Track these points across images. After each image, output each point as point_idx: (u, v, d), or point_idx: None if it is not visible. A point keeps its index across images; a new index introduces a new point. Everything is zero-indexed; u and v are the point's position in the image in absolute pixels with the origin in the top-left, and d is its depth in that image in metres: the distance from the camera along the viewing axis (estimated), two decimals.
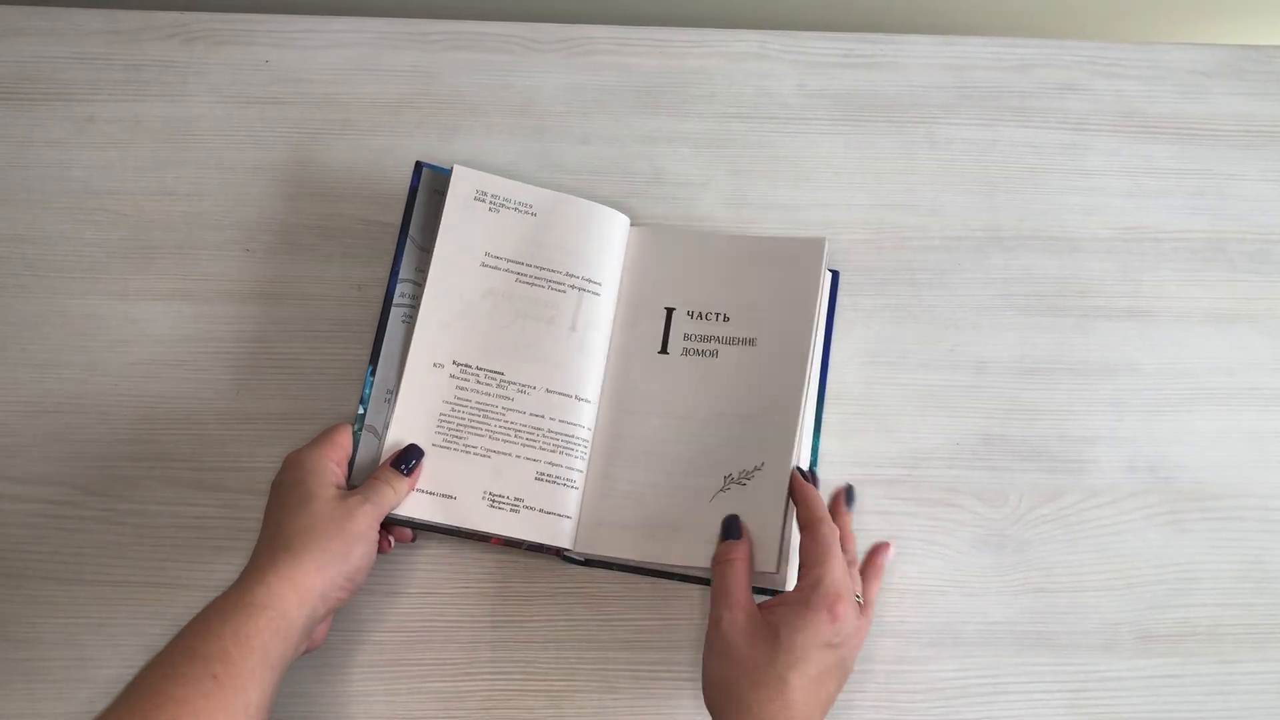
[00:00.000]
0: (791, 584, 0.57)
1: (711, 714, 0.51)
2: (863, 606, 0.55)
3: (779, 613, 0.51)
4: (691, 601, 0.61)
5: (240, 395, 0.63)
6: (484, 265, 0.61)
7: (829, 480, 0.63)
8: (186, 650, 0.47)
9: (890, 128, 0.71)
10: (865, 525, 0.62)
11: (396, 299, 0.61)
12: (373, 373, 0.60)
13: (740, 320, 0.62)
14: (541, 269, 0.62)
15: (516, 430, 0.59)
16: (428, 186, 0.63)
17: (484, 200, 0.62)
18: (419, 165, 0.64)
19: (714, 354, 0.61)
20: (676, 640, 0.60)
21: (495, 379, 0.60)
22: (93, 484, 0.61)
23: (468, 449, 0.59)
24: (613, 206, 0.66)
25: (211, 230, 0.66)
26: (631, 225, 0.65)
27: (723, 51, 0.73)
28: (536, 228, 0.62)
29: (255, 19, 0.71)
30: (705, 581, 0.60)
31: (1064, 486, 0.64)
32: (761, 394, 0.60)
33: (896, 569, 0.62)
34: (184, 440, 0.62)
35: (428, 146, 0.69)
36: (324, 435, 0.57)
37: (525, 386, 0.60)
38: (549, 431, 0.60)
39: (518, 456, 0.59)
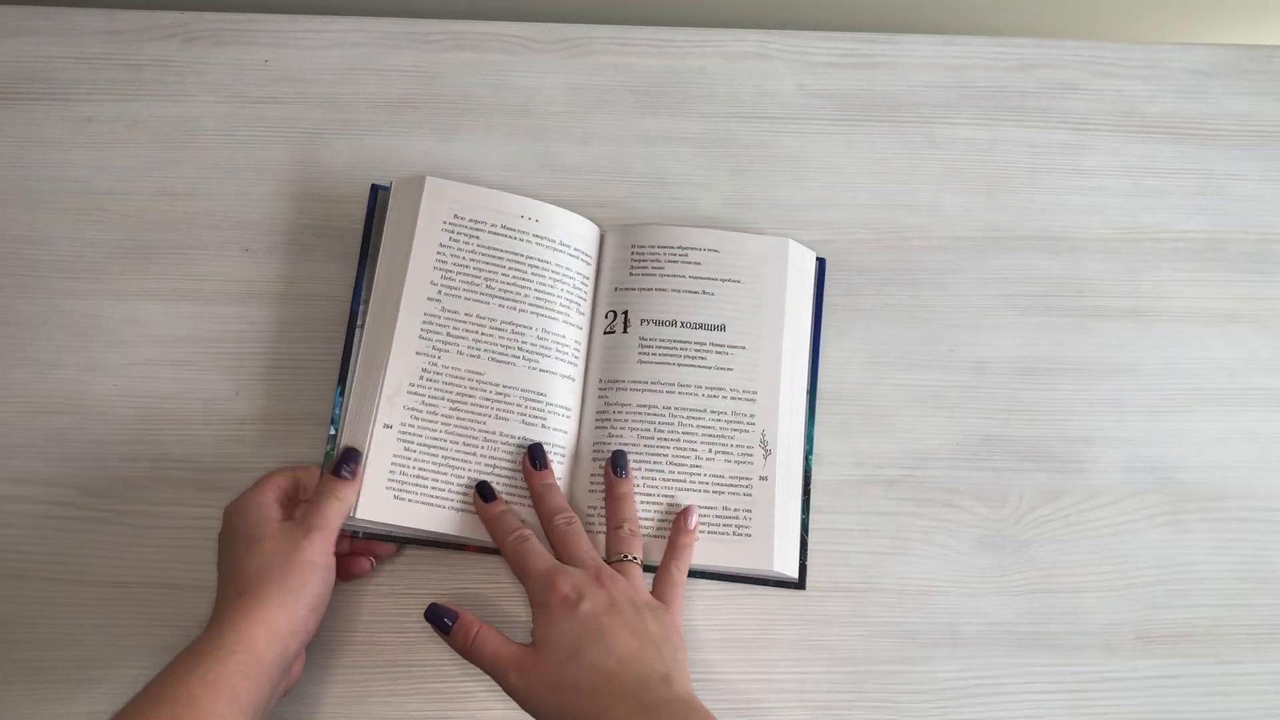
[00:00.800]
0: (780, 565, 0.59)
1: None
2: (664, 566, 0.57)
3: (534, 626, 0.53)
4: (690, 601, 0.60)
5: (240, 396, 0.63)
6: (449, 281, 0.61)
7: (828, 480, 0.63)
8: (153, 698, 0.46)
9: (890, 128, 0.71)
10: (865, 526, 0.62)
11: (360, 320, 0.61)
12: (342, 393, 0.60)
13: (717, 320, 0.62)
14: (510, 284, 0.61)
15: (487, 435, 0.59)
16: (384, 204, 0.63)
17: (456, 222, 0.61)
18: (374, 188, 0.64)
19: (691, 356, 0.61)
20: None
21: (470, 379, 0.60)
22: (92, 484, 0.61)
23: (440, 456, 0.59)
24: (612, 207, 0.67)
25: (211, 230, 0.66)
26: (605, 228, 0.65)
27: (723, 51, 0.73)
28: (509, 241, 0.62)
29: (255, 19, 0.71)
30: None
31: (1064, 487, 0.64)
32: (743, 391, 0.61)
33: (896, 569, 0.61)
34: (184, 441, 0.62)
35: (428, 146, 0.69)
36: (257, 481, 0.56)
37: (502, 389, 0.60)
38: (522, 438, 0.60)
39: (490, 460, 0.59)
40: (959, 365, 0.66)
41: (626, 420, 0.61)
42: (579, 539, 0.56)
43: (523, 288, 0.61)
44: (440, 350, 0.60)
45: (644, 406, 0.61)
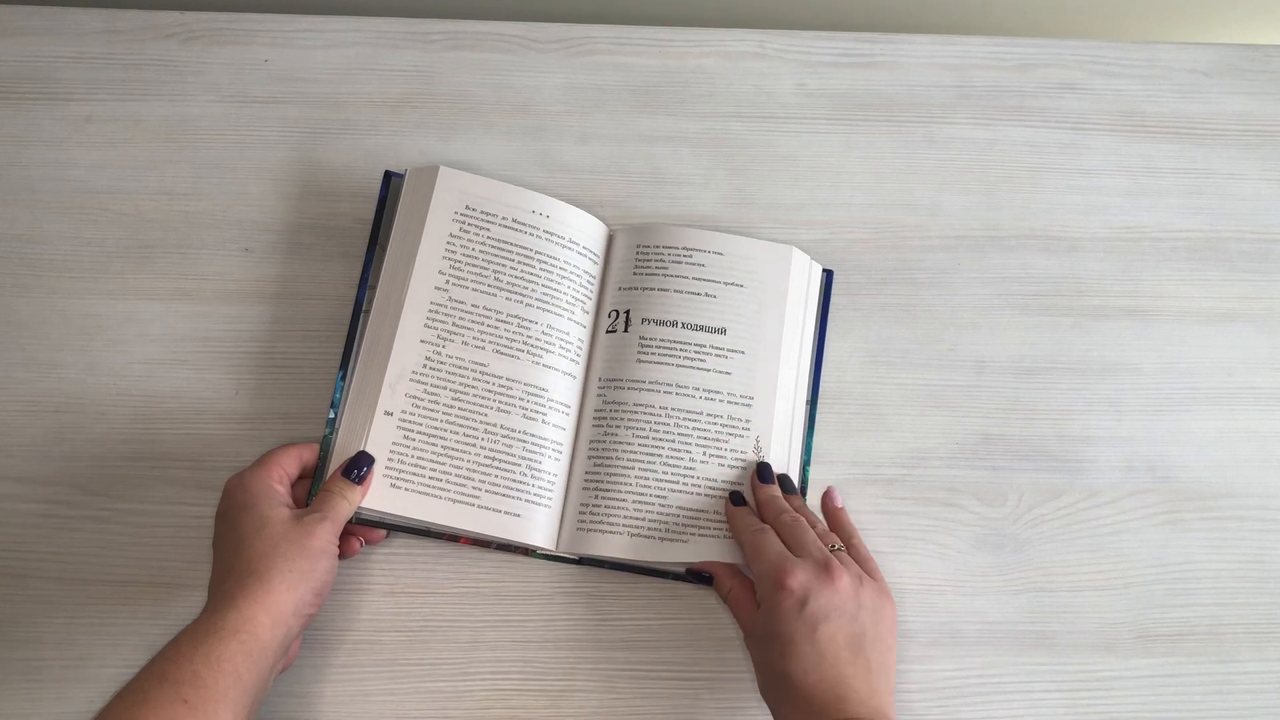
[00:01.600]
0: None
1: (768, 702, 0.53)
2: (849, 553, 0.58)
3: (758, 618, 0.55)
4: (690, 601, 0.61)
5: (239, 395, 0.63)
6: (457, 271, 0.61)
7: (827, 479, 0.63)
8: (157, 675, 0.47)
9: (889, 127, 0.71)
10: (865, 525, 0.62)
11: (366, 306, 0.61)
12: (343, 378, 0.60)
13: (718, 324, 0.62)
14: (518, 278, 0.62)
15: (488, 427, 0.59)
16: (397, 192, 0.64)
17: (468, 213, 0.62)
18: (388, 174, 0.64)
19: (691, 358, 0.62)
20: (675, 639, 0.60)
21: (473, 370, 0.60)
22: (92, 483, 0.61)
23: (440, 446, 0.59)
24: (612, 206, 0.67)
25: (211, 230, 0.66)
26: (614, 229, 0.66)
27: (722, 51, 0.73)
28: (519, 235, 0.62)
29: (255, 18, 0.71)
30: (693, 579, 0.60)
31: (1063, 486, 0.64)
32: (740, 396, 0.61)
33: (895, 568, 0.61)
34: (183, 440, 0.62)
35: (427, 146, 0.69)
36: (263, 458, 0.57)
37: (505, 381, 0.60)
38: (523, 432, 0.60)
39: (490, 453, 0.59)
40: (958, 364, 0.66)
41: (623, 419, 0.61)
42: (805, 532, 0.57)
43: (530, 282, 0.61)
44: (445, 340, 0.60)
45: (640, 406, 0.61)
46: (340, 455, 0.58)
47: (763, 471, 0.60)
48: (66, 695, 0.57)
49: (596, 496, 0.60)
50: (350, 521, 0.58)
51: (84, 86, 0.69)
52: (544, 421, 0.60)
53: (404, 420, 0.58)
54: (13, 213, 0.66)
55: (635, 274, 0.64)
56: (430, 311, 0.60)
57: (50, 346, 0.64)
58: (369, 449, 0.58)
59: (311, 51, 0.71)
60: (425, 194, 0.62)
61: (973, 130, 0.71)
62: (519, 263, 0.62)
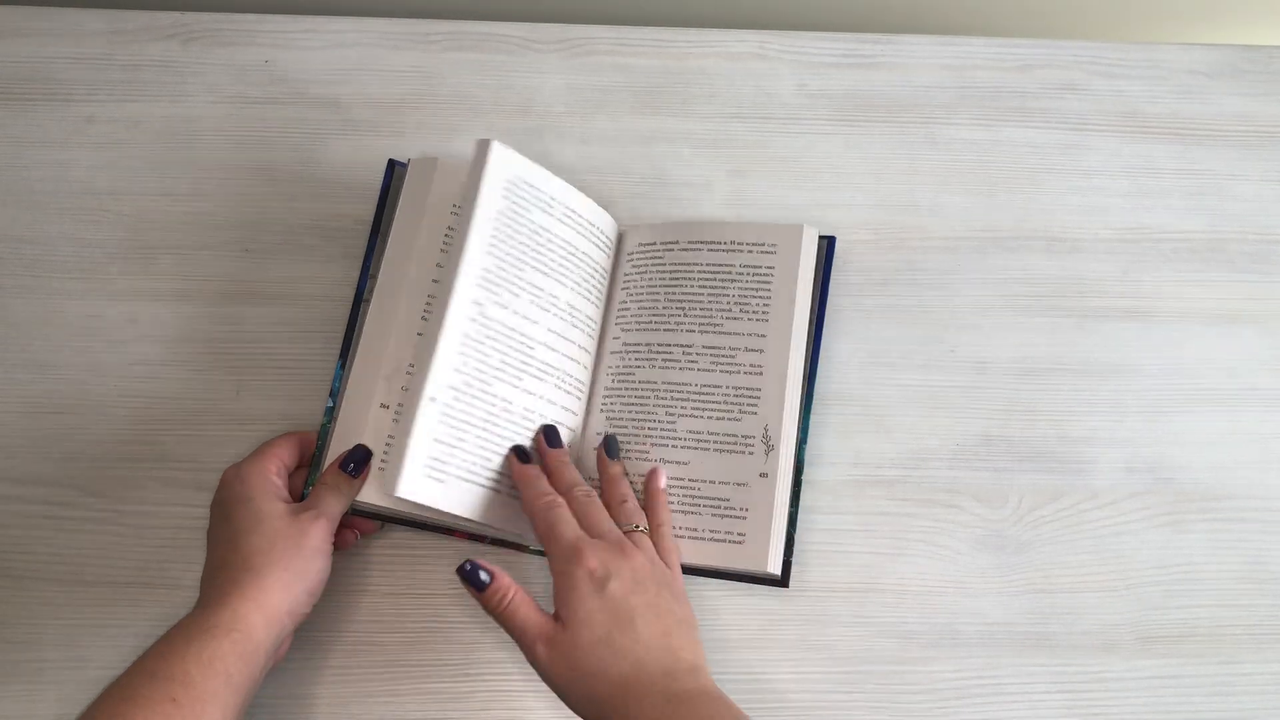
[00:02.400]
0: (773, 567, 0.58)
1: None
2: (651, 526, 0.57)
3: (557, 603, 0.52)
4: (696, 599, 0.60)
5: (241, 396, 0.63)
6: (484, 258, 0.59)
7: (828, 480, 0.63)
8: (146, 672, 0.47)
9: (890, 128, 0.71)
10: (865, 526, 0.62)
11: (366, 295, 0.61)
12: (342, 367, 0.60)
13: (725, 312, 0.62)
14: (539, 261, 0.61)
15: (488, 418, 0.58)
16: (399, 182, 0.63)
17: (516, 193, 0.60)
18: (391, 163, 0.64)
19: (699, 350, 0.61)
20: None
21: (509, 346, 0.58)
22: (93, 485, 0.61)
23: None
24: (613, 207, 0.67)
25: (211, 231, 0.66)
26: (624, 227, 0.66)
27: (723, 52, 0.73)
28: (554, 226, 0.61)
29: (255, 19, 0.71)
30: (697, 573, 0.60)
31: (1064, 487, 0.63)
32: (745, 389, 0.61)
33: (896, 569, 0.61)
34: (184, 441, 0.62)
35: (428, 147, 0.69)
36: (261, 449, 0.57)
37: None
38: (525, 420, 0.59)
39: (490, 444, 0.58)
40: (959, 366, 0.66)
41: (629, 409, 0.61)
42: (599, 511, 0.56)
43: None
44: None
45: (648, 392, 0.61)
46: (338, 445, 0.58)
47: (549, 433, 0.58)
48: (67, 696, 0.58)
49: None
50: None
51: (84, 87, 0.69)
52: (562, 422, 0.60)
53: (399, 414, 0.58)
54: (13, 213, 0.66)
55: (637, 272, 0.64)
56: (428, 305, 0.59)
57: (51, 347, 0.64)
58: (366, 440, 0.57)
59: (312, 52, 0.71)
60: (425, 185, 0.61)
61: (974, 131, 0.71)
62: (554, 252, 0.61)
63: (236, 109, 0.69)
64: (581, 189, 0.64)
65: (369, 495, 0.57)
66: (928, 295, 0.67)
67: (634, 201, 0.68)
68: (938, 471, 0.64)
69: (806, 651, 0.60)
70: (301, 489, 0.58)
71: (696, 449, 0.60)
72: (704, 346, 0.62)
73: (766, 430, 0.60)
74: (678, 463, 0.60)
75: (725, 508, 0.59)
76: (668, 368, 0.61)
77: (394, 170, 0.64)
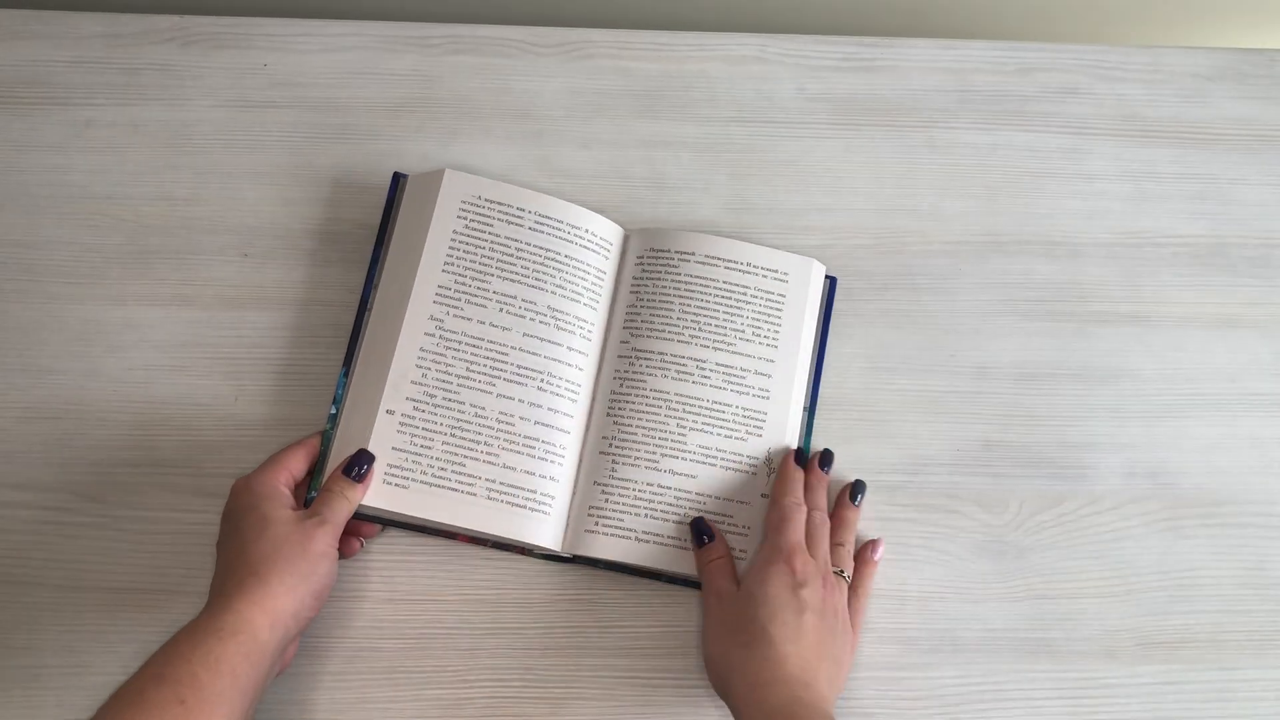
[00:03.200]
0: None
1: (718, 691, 0.54)
2: (853, 586, 0.59)
3: (746, 575, 0.56)
4: (692, 607, 0.60)
5: (239, 401, 0.63)
6: (460, 272, 0.61)
7: (831, 486, 0.63)
8: (155, 676, 0.47)
9: (890, 132, 0.71)
10: (866, 530, 0.62)
11: (370, 303, 0.62)
12: (346, 374, 0.60)
13: (734, 334, 0.62)
14: (528, 271, 0.62)
15: (489, 424, 0.59)
16: (404, 193, 0.64)
17: (471, 210, 0.62)
18: (396, 175, 0.65)
19: (708, 370, 0.62)
20: (677, 646, 0.60)
21: (480, 357, 0.60)
22: (91, 490, 0.61)
23: (440, 445, 0.59)
24: (613, 211, 0.66)
25: (210, 235, 0.66)
26: (629, 230, 0.66)
27: (723, 55, 0.73)
28: (523, 234, 0.62)
29: (254, 23, 0.71)
30: (697, 585, 0.60)
31: (1064, 493, 0.63)
32: (751, 411, 0.62)
33: (897, 575, 0.61)
34: (182, 446, 0.62)
35: (427, 151, 0.69)
36: (271, 459, 0.58)
37: (511, 376, 0.60)
38: (524, 434, 0.60)
39: (494, 450, 0.59)
40: (959, 370, 0.66)
41: (639, 417, 0.61)
42: (824, 539, 0.59)
43: (539, 278, 0.62)
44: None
45: (660, 402, 0.61)
46: (341, 452, 0.58)
47: (824, 458, 0.62)
48: (66, 702, 0.57)
49: (605, 498, 0.60)
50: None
51: (83, 91, 0.69)
52: (551, 424, 0.60)
53: (405, 418, 0.58)
54: (11, 218, 0.66)
55: (649, 277, 0.64)
56: (435, 304, 0.60)
57: (49, 352, 0.64)
58: (371, 447, 0.58)
59: (311, 56, 0.71)
60: (430, 196, 0.62)
61: (974, 135, 0.71)
62: (525, 260, 0.62)
63: (235, 113, 0.69)
64: (581, 192, 0.64)
65: (375, 499, 0.58)
66: (928, 300, 0.67)
67: (634, 205, 0.68)
68: (938, 477, 0.63)
69: None
70: (304, 498, 0.58)
71: (704, 464, 0.60)
72: (716, 364, 0.62)
73: (769, 454, 0.61)
74: (686, 475, 0.60)
75: (729, 524, 0.60)
76: (681, 380, 0.61)
77: (398, 182, 0.65)
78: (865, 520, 0.62)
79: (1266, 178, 0.70)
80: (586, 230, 0.64)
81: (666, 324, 0.63)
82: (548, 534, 0.59)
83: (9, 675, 0.58)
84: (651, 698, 0.59)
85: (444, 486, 0.58)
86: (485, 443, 0.59)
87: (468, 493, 0.58)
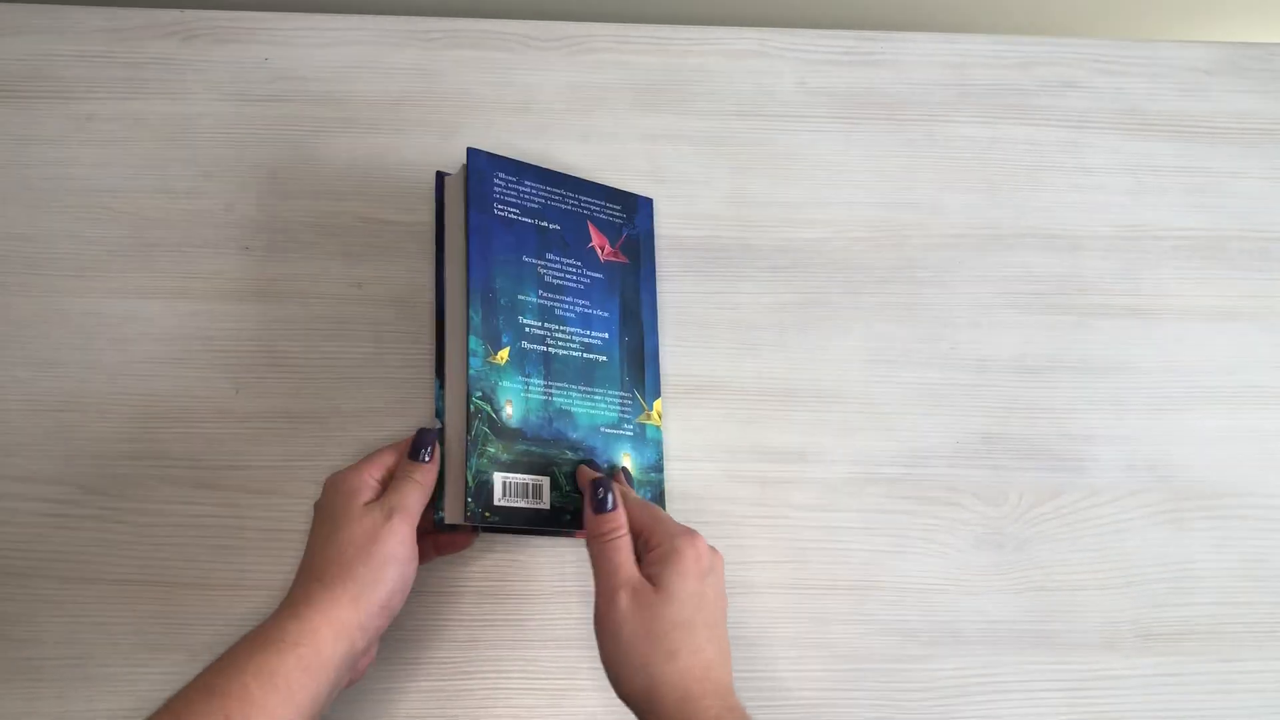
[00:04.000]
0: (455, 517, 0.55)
1: (625, 699, 0.49)
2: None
3: (654, 569, 0.50)
4: None
5: (240, 394, 0.63)
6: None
7: (828, 478, 0.63)
8: (204, 687, 0.45)
9: (891, 125, 0.71)
10: (866, 523, 0.62)
11: (442, 311, 0.61)
12: (441, 385, 0.59)
13: None
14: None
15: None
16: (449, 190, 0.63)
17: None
18: (439, 175, 0.64)
19: None
20: None
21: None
22: (92, 482, 0.61)
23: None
24: None
25: (211, 228, 0.66)
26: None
27: (723, 49, 0.73)
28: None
29: (255, 17, 0.71)
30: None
31: (1064, 485, 0.63)
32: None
33: (896, 567, 0.61)
34: (183, 439, 0.62)
35: (428, 144, 0.69)
36: (369, 455, 0.55)
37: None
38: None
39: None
40: (959, 363, 0.66)
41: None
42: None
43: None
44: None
45: None
46: (454, 467, 0.56)
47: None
48: (67, 694, 0.57)
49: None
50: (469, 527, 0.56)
51: (84, 85, 0.69)
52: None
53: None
54: (13, 211, 0.66)
55: None
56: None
57: (51, 345, 0.64)
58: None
59: (312, 50, 0.71)
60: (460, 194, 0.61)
61: (974, 128, 0.71)
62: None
63: (236, 107, 0.69)
64: None
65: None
66: (928, 293, 0.67)
67: None
68: (938, 469, 0.63)
69: (806, 649, 0.60)
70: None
71: None
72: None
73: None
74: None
75: None
76: None
77: (442, 181, 0.64)
78: (866, 512, 0.62)
79: (1265, 171, 0.71)
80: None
81: None
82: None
83: (11, 666, 0.58)
84: None
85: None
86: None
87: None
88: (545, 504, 0.57)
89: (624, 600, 0.49)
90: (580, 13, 0.77)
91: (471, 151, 0.60)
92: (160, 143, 0.68)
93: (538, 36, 0.72)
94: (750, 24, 0.74)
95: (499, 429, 0.56)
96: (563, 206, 0.63)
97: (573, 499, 0.57)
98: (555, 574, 0.61)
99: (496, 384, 0.57)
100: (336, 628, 0.48)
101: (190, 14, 0.71)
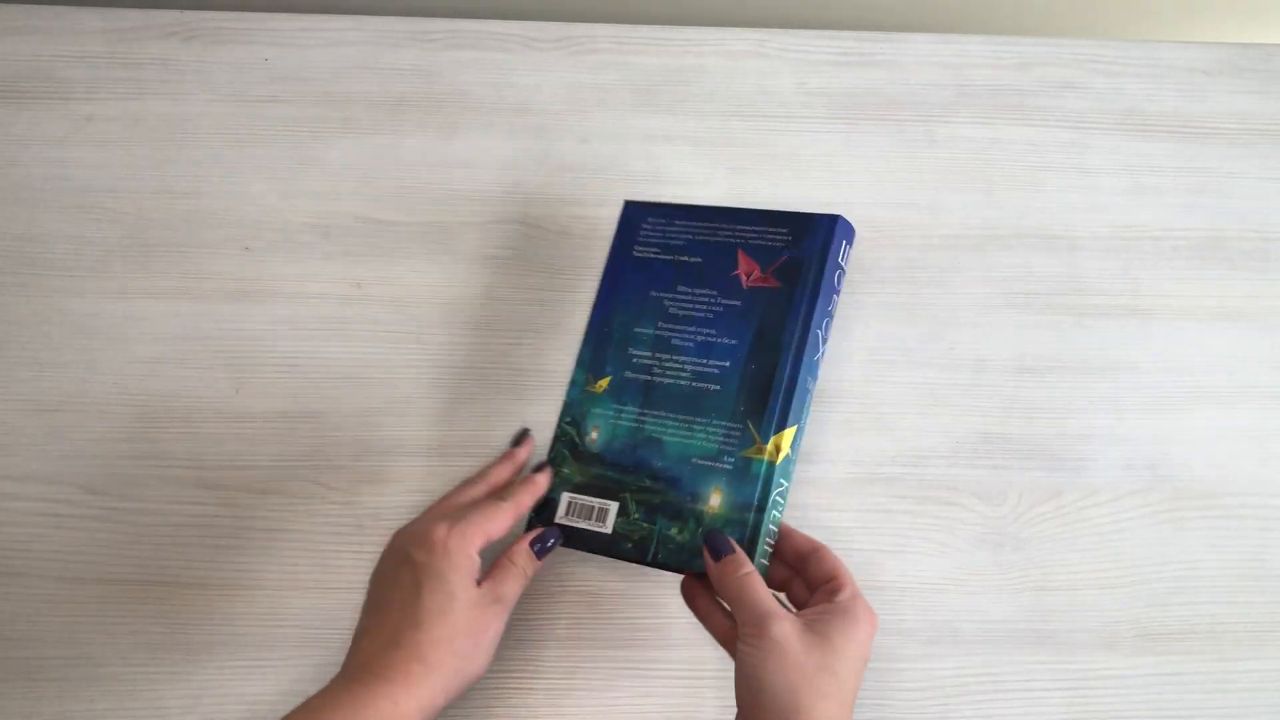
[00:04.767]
0: None
1: (749, 711, 0.48)
2: None
3: (828, 622, 0.49)
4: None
5: (239, 394, 0.63)
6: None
7: (828, 478, 0.63)
8: None
9: (889, 126, 0.71)
10: (866, 524, 0.62)
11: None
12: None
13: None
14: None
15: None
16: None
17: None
18: (627, 204, 0.65)
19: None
20: (677, 638, 0.60)
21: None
22: (92, 482, 0.61)
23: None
24: (612, 206, 0.67)
25: (210, 229, 0.66)
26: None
27: (722, 50, 0.73)
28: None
29: (255, 17, 0.71)
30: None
31: (1063, 485, 0.64)
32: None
33: (896, 567, 0.62)
34: (183, 439, 0.62)
35: (427, 145, 0.69)
36: (478, 514, 0.52)
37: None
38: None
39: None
40: (958, 363, 0.66)
41: None
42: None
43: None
44: None
45: None
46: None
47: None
48: (67, 694, 0.57)
49: None
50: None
51: (84, 86, 0.69)
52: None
53: None
54: (13, 211, 0.66)
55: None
56: None
57: (51, 345, 0.64)
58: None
59: (311, 50, 0.71)
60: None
61: (972, 129, 0.71)
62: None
63: (236, 107, 0.69)
64: (581, 188, 0.65)
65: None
66: (927, 293, 0.67)
67: (634, 200, 0.68)
68: (937, 469, 0.64)
69: None
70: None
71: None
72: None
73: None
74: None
75: None
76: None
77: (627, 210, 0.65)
78: (866, 512, 0.63)
79: (1264, 171, 0.71)
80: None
81: None
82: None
83: (10, 666, 0.58)
84: (651, 689, 0.59)
85: None
86: None
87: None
88: (607, 528, 0.57)
89: (786, 626, 0.48)
90: (580, 13, 0.77)
91: (627, 203, 0.64)
92: (160, 143, 0.68)
93: (537, 37, 0.72)
94: (749, 25, 0.74)
95: (579, 452, 0.59)
96: (711, 239, 0.62)
97: (639, 527, 0.57)
98: (556, 574, 0.61)
99: (588, 410, 0.60)
100: (427, 712, 0.47)
101: (190, 14, 0.71)
